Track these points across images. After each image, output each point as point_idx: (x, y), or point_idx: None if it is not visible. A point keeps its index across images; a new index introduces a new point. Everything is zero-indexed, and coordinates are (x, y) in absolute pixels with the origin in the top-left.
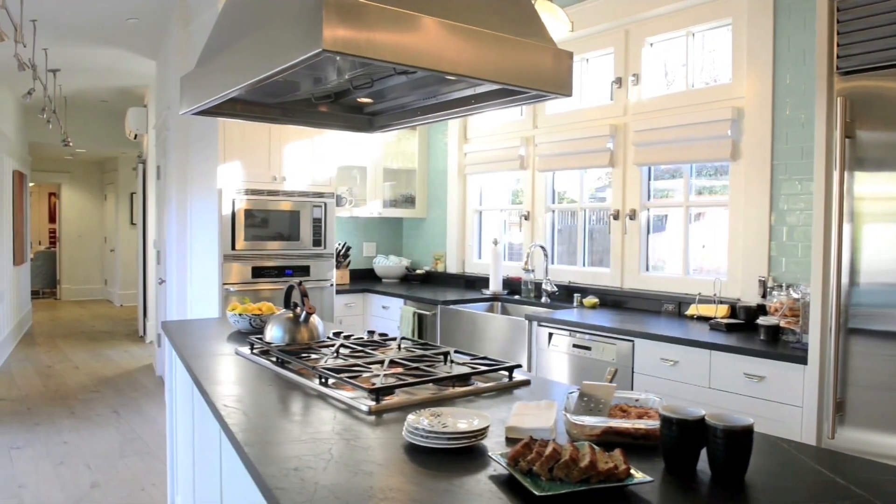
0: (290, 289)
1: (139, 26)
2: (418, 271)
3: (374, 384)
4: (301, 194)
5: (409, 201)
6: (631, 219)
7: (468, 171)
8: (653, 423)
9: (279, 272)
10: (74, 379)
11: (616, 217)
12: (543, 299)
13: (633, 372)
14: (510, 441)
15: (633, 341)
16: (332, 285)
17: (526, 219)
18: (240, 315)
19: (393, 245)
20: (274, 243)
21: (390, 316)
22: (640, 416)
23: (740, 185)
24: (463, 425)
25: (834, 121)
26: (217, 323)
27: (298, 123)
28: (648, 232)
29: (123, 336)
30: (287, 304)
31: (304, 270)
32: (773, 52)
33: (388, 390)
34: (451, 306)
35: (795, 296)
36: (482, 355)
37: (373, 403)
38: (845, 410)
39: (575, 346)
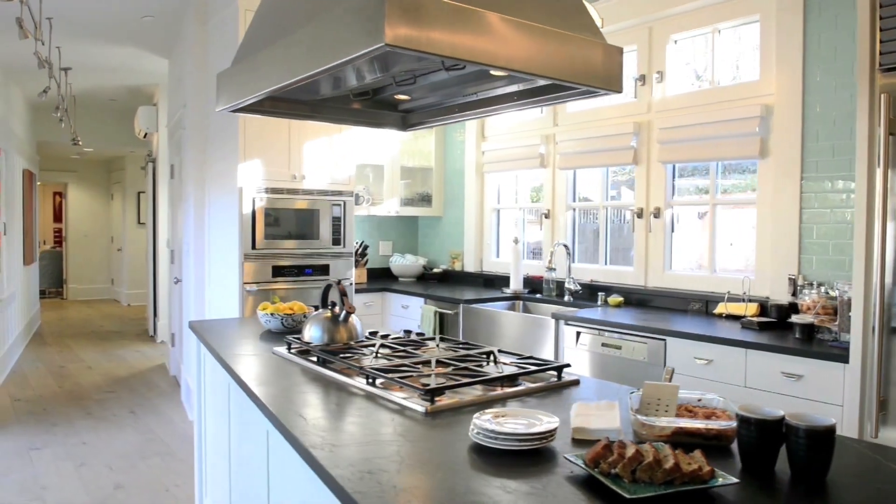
0: (328, 288)
1: (153, 24)
2: (435, 270)
3: (426, 385)
4: (320, 192)
5: (425, 200)
6: (655, 217)
7: (486, 169)
8: (725, 424)
9: (299, 271)
10: (88, 379)
11: (640, 215)
12: (566, 298)
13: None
14: (576, 442)
15: (664, 340)
16: (351, 284)
17: (546, 217)
18: (271, 315)
19: (409, 244)
20: (293, 242)
21: (410, 315)
22: (707, 417)
23: (768, 183)
24: (531, 427)
25: (877, 118)
26: (243, 322)
27: (331, 121)
28: (673, 230)
29: (133, 336)
30: (324, 303)
31: (324, 270)
32: (803, 50)
33: (441, 391)
34: (474, 305)
35: (832, 293)
36: (528, 354)
37: (428, 404)
38: (888, 409)
39: (604, 344)
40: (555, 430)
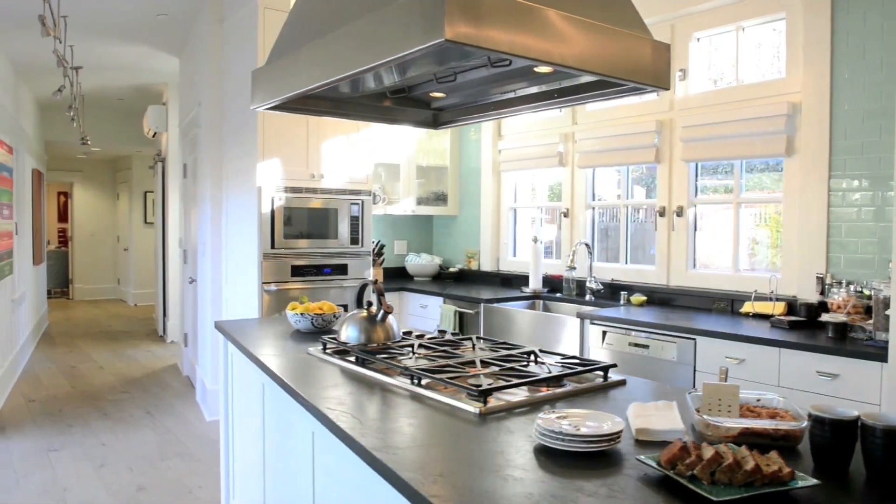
0: (363, 287)
1: (167, 23)
2: (451, 269)
3: (478, 385)
4: (338, 192)
5: (440, 199)
6: (678, 215)
7: (503, 168)
8: (793, 424)
9: (317, 271)
10: (100, 379)
11: (662, 214)
12: (588, 297)
13: (694, 370)
14: (640, 443)
15: (694, 339)
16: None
17: (565, 216)
18: (301, 315)
19: (423, 243)
20: (312, 242)
21: (428, 314)
22: (771, 417)
23: (794, 181)
24: (596, 428)
25: None
26: (269, 322)
27: (363, 118)
28: (696, 229)
29: (143, 335)
30: (359, 303)
31: (342, 269)
32: (831, 48)
33: (491, 392)
34: (495, 305)
35: (866, 292)
36: (571, 354)
37: (481, 405)
38: None
39: (631, 344)
40: (621, 431)
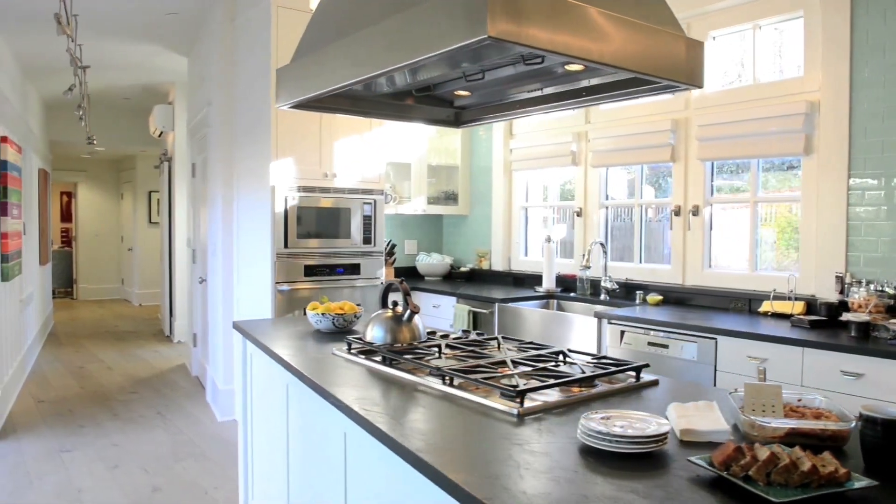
0: (388, 287)
1: (176, 22)
2: (462, 269)
3: (514, 386)
4: (351, 191)
5: (451, 198)
6: (694, 215)
7: (515, 167)
8: (842, 425)
9: (330, 270)
10: (109, 379)
11: (677, 213)
12: (603, 297)
13: (715, 370)
14: (684, 444)
15: (715, 339)
16: (381, 284)
17: (578, 215)
18: (322, 315)
19: (434, 243)
20: (324, 241)
21: (441, 314)
22: (816, 417)
23: (812, 180)
24: (642, 429)
25: None
26: (286, 322)
27: (386, 117)
28: (711, 228)
29: (149, 335)
30: (384, 303)
31: (355, 269)
32: (851, 46)
33: (527, 392)
34: (510, 304)
35: (889, 290)
36: (600, 354)
37: (519, 406)
38: None
39: (650, 343)
40: (668, 432)
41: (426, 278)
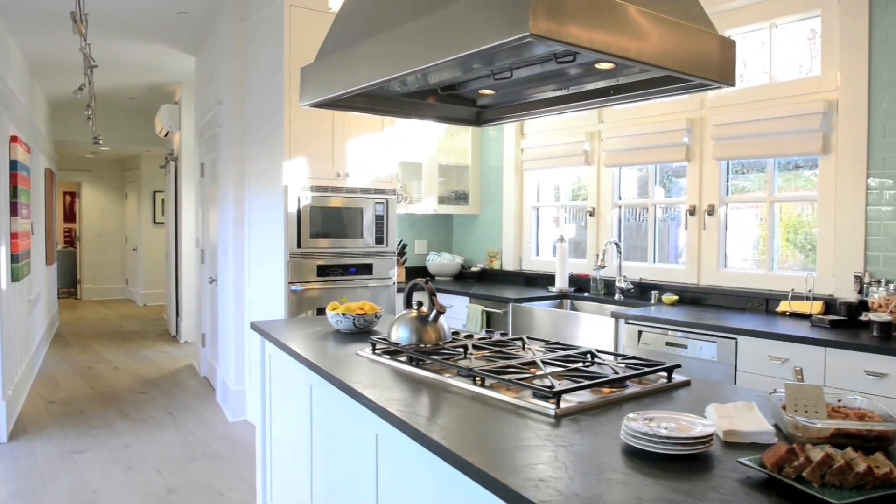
0: (413, 287)
1: (186, 21)
2: (473, 269)
3: (551, 387)
4: (363, 190)
5: (461, 198)
6: (709, 214)
7: (526, 166)
8: (888, 425)
9: (343, 270)
10: (118, 380)
11: (692, 213)
12: (617, 296)
13: (735, 370)
14: (728, 445)
15: (735, 339)
16: (393, 283)
17: (591, 215)
18: (343, 315)
19: (444, 242)
20: (337, 241)
21: (454, 314)
22: (860, 418)
23: (830, 180)
24: (688, 430)
25: None
26: (303, 322)
27: (407, 116)
28: (727, 227)
29: (155, 336)
30: (408, 303)
31: (367, 269)
32: (869, 45)
33: (563, 393)
34: (524, 304)
35: None
36: (630, 354)
37: (556, 407)
38: None
39: (668, 343)
40: (713, 433)
41: (437, 278)
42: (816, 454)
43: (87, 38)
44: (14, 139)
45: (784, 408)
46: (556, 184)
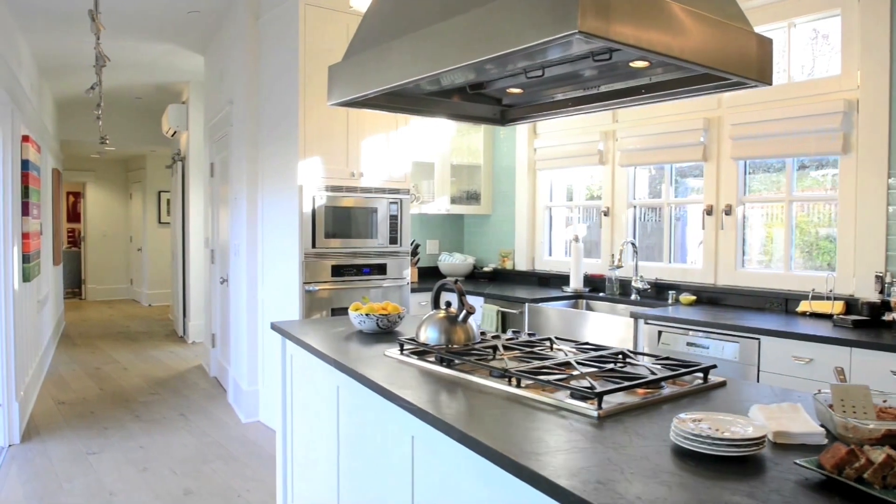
0: (441, 288)
1: (197, 20)
2: (485, 269)
3: (591, 388)
4: (377, 190)
5: (473, 198)
6: (727, 214)
7: (540, 166)
8: None
9: (357, 270)
10: (127, 381)
11: (709, 212)
12: (633, 296)
13: (758, 370)
14: (777, 446)
15: (758, 339)
16: (407, 284)
17: (606, 215)
18: (366, 315)
19: (455, 242)
20: (351, 241)
21: None
22: None
23: (850, 179)
24: (738, 432)
25: None
26: (322, 323)
27: (431, 115)
28: (744, 227)
29: (162, 336)
30: (436, 303)
31: (381, 269)
32: (891, 44)
33: (604, 394)
34: (540, 304)
35: None
36: (664, 355)
37: (598, 408)
38: None
39: (689, 344)
40: (766, 435)
41: (448, 278)
42: (877, 455)
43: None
44: (25, 139)
45: (831, 408)
46: (568, 183)
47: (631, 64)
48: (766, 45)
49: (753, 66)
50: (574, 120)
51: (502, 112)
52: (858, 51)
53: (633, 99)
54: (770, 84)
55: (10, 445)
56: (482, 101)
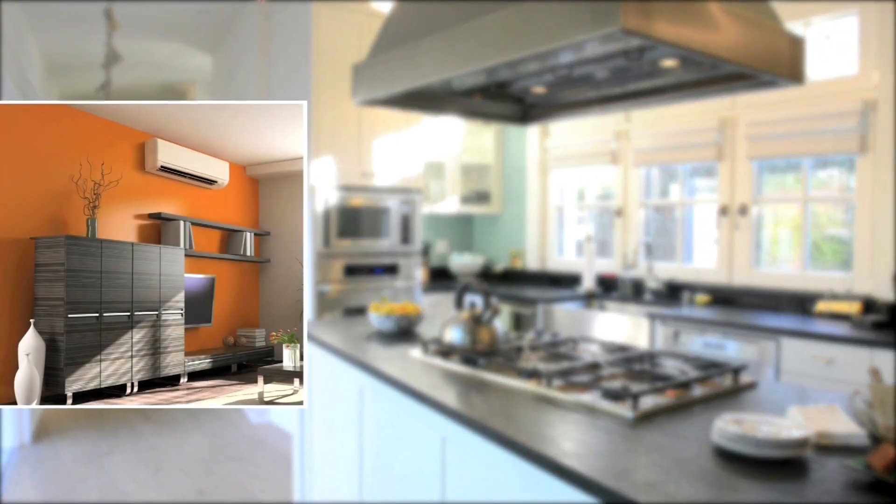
0: (464, 288)
1: (206, 19)
2: (496, 269)
3: (627, 388)
4: (389, 190)
5: (483, 197)
6: (742, 214)
7: (551, 166)
8: None
9: (369, 270)
10: None
11: (724, 212)
12: (647, 297)
13: (778, 371)
14: (820, 448)
15: (778, 339)
16: (419, 284)
17: (618, 215)
18: (386, 315)
19: (464, 242)
20: (364, 241)
21: None
22: None
23: (867, 179)
24: (784, 433)
25: None
26: (339, 323)
27: (452, 114)
28: (759, 227)
29: None
30: (459, 304)
31: (393, 269)
32: None
33: (640, 395)
34: (554, 305)
35: None
36: (693, 356)
37: (633, 409)
38: None
39: (707, 344)
40: (809, 436)
41: (459, 278)
42: None
43: (102, 36)
44: None
45: (872, 408)
46: (579, 183)
47: (661, 63)
48: (797, 44)
49: (786, 65)
50: (586, 119)
51: (524, 111)
52: (876, 50)
53: (657, 98)
54: (802, 83)
55: (21, 446)
56: (504, 99)
